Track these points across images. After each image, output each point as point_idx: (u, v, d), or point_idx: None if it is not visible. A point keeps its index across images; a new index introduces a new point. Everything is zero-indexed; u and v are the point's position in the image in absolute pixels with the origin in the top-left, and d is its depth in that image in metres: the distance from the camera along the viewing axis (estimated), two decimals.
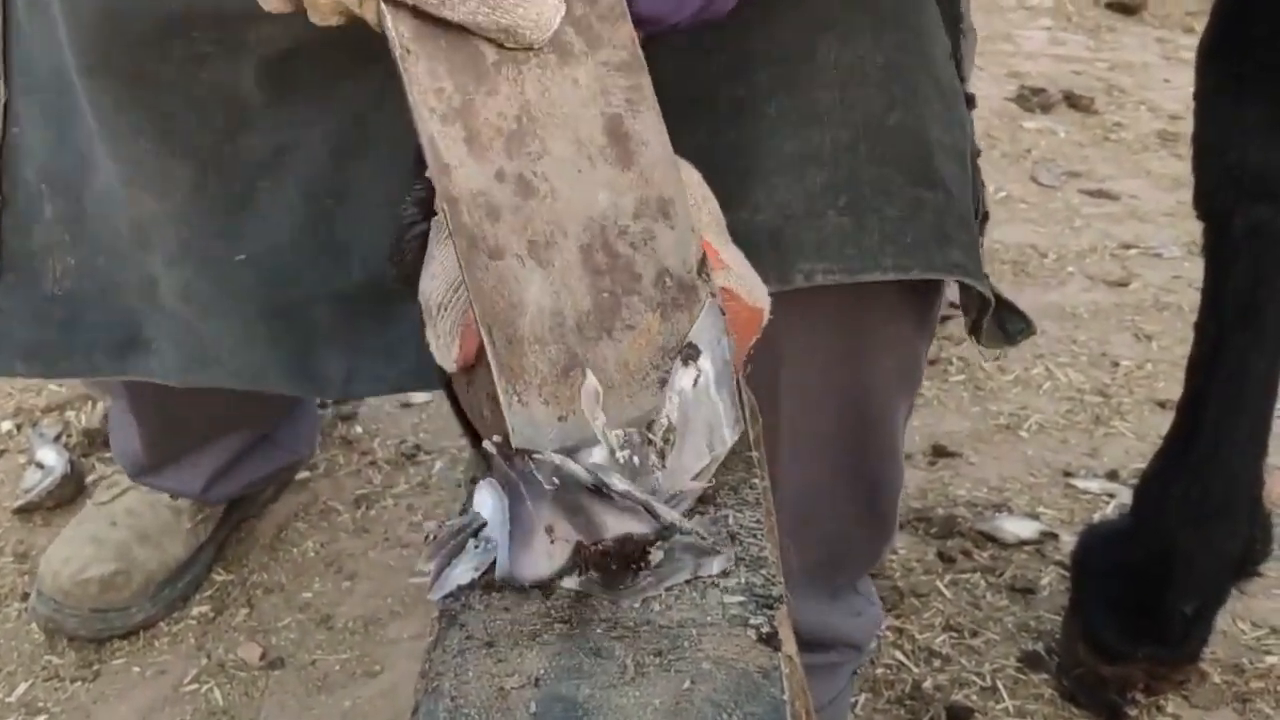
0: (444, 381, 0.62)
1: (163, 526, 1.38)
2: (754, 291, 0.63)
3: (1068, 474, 1.60)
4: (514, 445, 0.54)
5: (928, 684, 1.28)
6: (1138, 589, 1.20)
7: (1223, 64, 1.11)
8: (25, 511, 1.51)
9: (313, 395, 0.95)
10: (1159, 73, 3.01)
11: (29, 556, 1.45)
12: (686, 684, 0.47)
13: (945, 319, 1.85)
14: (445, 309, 0.57)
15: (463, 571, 0.53)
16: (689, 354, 0.58)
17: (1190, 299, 1.89)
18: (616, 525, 0.52)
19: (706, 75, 0.81)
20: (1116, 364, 1.85)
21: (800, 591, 1.03)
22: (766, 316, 0.63)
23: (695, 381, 0.58)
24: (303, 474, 1.58)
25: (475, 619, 0.51)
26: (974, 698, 1.27)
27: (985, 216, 0.91)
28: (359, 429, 1.68)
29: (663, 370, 0.58)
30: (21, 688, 1.28)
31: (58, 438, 1.63)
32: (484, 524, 0.53)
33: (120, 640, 1.34)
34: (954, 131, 0.86)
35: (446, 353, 0.58)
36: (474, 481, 0.56)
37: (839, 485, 0.99)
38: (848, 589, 1.12)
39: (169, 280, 0.93)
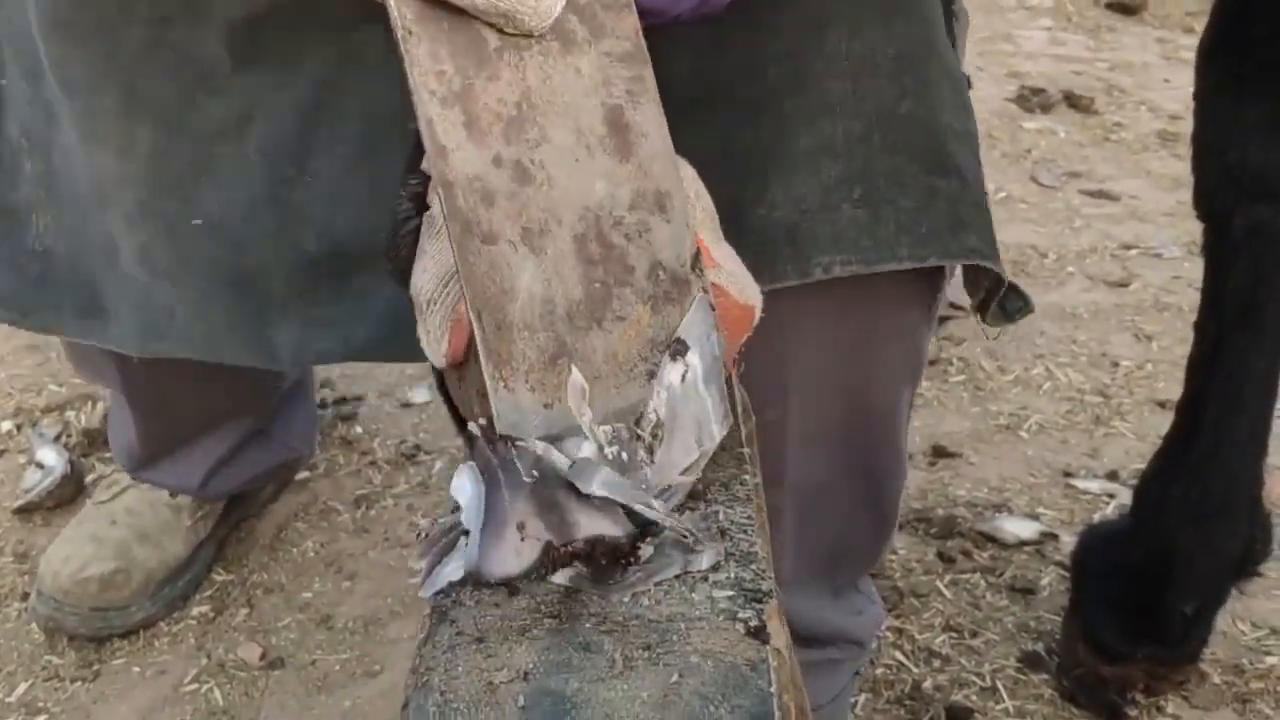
0: (437, 378, 0.62)
1: (162, 525, 1.38)
2: (745, 290, 0.63)
3: (1068, 474, 1.60)
4: (498, 430, 0.54)
5: (928, 684, 1.28)
6: (1138, 589, 1.20)
7: (1223, 64, 1.11)
8: (25, 511, 1.52)
9: (266, 365, 0.95)
10: (1159, 73, 3.01)
11: (29, 556, 1.45)
12: (675, 677, 0.47)
13: (945, 319, 1.85)
14: (435, 303, 0.57)
15: (454, 569, 0.53)
16: (677, 349, 0.58)
17: (1190, 299, 1.88)
18: (590, 526, 0.52)
19: (718, 75, 0.82)
20: (1116, 364, 1.85)
21: (802, 588, 1.03)
22: (758, 315, 0.63)
23: (683, 377, 0.58)
24: (303, 474, 1.58)
25: (465, 615, 0.51)
26: (974, 698, 1.26)
27: None
28: (359, 429, 1.69)
29: (651, 363, 0.57)
30: (21, 688, 1.29)
31: (58, 438, 1.63)
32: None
33: (120, 640, 1.34)
34: (963, 117, 0.87)
35: (436, 348, 0.58)
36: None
37: (844, 480, 1.00)
38: (849, 587, 1.12)
39: (127, 242, 0.93)
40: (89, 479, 1.58)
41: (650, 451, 0.56)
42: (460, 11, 0.56)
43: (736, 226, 0.80)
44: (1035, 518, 1.52)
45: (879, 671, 1.29)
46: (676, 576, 0.52)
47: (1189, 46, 2.21)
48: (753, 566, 0.53)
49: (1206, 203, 1.13)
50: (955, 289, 0.95)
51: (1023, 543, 1.47)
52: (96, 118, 0.90)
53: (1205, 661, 1.27)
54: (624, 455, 0.55)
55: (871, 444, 0.99)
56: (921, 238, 0.83)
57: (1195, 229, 1.17)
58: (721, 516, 0.56)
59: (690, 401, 0.57)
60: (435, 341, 0.57)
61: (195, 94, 0.88)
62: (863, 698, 1.26)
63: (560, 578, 0.52)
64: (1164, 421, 1.25)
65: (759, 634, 0.49)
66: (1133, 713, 1.23)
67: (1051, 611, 1.36)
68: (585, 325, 0.57)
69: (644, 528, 0.54)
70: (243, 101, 0.87)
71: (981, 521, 1.50)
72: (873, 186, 0.82)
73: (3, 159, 0.97)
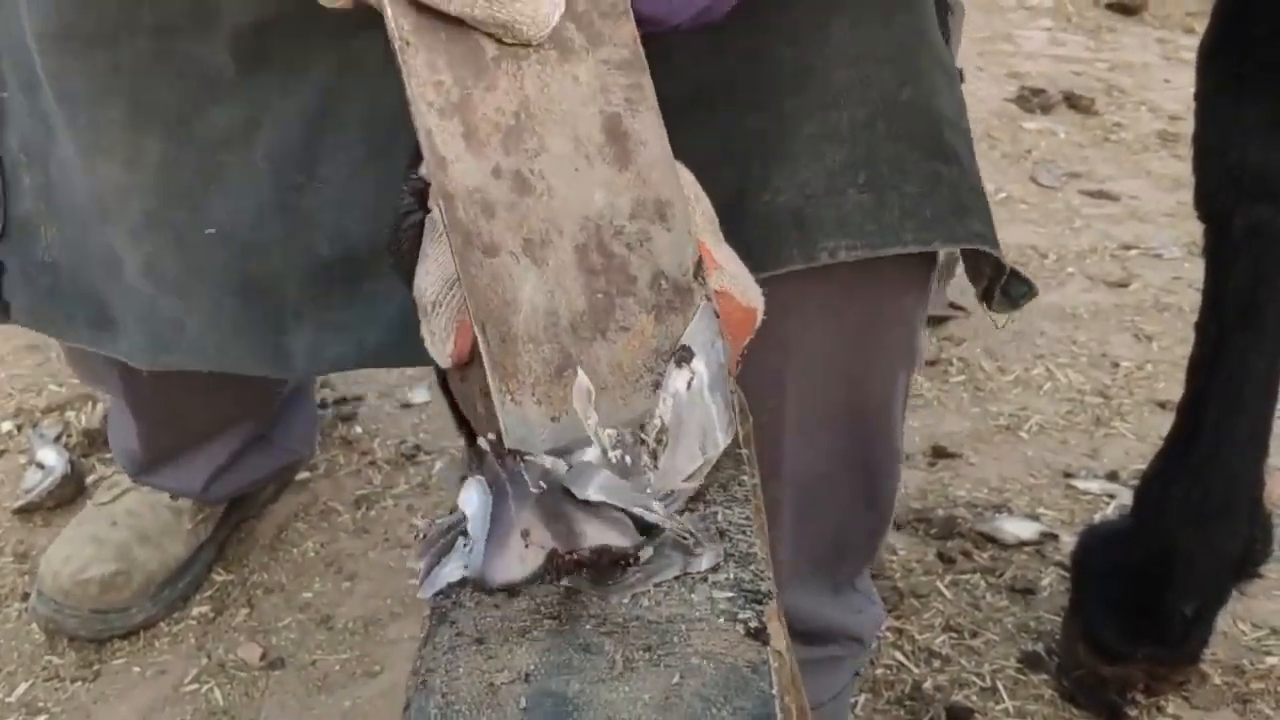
0: (439, 377, 0.62)
1: (163, 527, 1.38)
2: (747, 291, 0.63)
3: (1068, 475, 1.60)
4: (507, 445, 0.54)
5: (928, 684, 1.28)
6: (1138, 589, 1.20)
7: (1223, 64, 1.11)
8: (25, 512, 1.52)
9: (279, 374, 0.95)
10: (1159, 73, 3.01)
11: (29, 556, 1.45)
12: (675, 679, 0.47)
13: (945, 319, 1.85)
14: (440, 306, 0.57)
15: (452, 569, 0.53)
16: (683, 356, 0.58)
17: (1190, 299, 1.88)
18: (595, 535, 0.52)
19: (719, 71, 0.82)
20: (1117, 365, 1.85)
21: (802, 583, 1.03)
22: (760, 316, 0.63)
23: (689, 384, 0.57)
24: (303, 474, 1.58)
25: (465, 616, 0.51)
26: (974, 698, 1.26)
27: None
28: (359, 429, 1.69)
29: (656, 373, 0.57)
30: (21, 688, 1.29)
31: (58, 438, 1.63)
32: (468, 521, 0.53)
33: (120, 640, 1.34)
34: (956, 107, 0.88)
35: (441, 349, 0.57)
36: (464, 479, 0.55)
37: (842, 471, 1.00)
38: (848, 586, 1.12)
39: (132, 255, 0.93)
40: (89, 479, 1.58)
41: (654, 457, 0.56)
42: (458, 21, 0.55)
43: (741, 212, 0.81)
44: (1035, 518, 1.52)
45: (879, 672, 1.29)
46: (676, 578, 0.52)
47: (1189, 47, 2.22)
48: (752, 567, 0.53)
49: (1207, 203, 1.13)
50: (955, 289, 0.95)
51: (1023, 543, 1.48)
52: (100, 129, 0.89)
53: (1205, 662, 1.27)
54: (628, 460, 0.55)
55: (869, 434, 0.99)
56: (926, 222, 0.83)
57: (1195, 229, 1.17)
58: (720, 517, 0.56)
59: (696, 408, 0.57)
60: (440, 343, 0.57)
61: (202, 102, 0.87)
62: (863, 698, 1.26)
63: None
64: (1164, 422, 1.25)
65: (759, 635, 0.49)
66: (1133, 713, 1.23)
67: (1051, 612, 1.36)
68: (589, 336, 0.56)
69: (644, 531, 0.54)
70: (249, 109, 0.87)
71: (981, 522, 1.50)
72: (877, 172, 0.83)
73: (5, 172, 0.97)
